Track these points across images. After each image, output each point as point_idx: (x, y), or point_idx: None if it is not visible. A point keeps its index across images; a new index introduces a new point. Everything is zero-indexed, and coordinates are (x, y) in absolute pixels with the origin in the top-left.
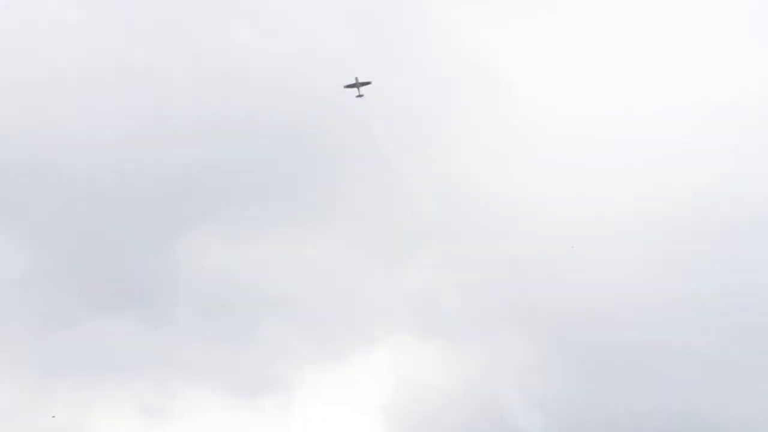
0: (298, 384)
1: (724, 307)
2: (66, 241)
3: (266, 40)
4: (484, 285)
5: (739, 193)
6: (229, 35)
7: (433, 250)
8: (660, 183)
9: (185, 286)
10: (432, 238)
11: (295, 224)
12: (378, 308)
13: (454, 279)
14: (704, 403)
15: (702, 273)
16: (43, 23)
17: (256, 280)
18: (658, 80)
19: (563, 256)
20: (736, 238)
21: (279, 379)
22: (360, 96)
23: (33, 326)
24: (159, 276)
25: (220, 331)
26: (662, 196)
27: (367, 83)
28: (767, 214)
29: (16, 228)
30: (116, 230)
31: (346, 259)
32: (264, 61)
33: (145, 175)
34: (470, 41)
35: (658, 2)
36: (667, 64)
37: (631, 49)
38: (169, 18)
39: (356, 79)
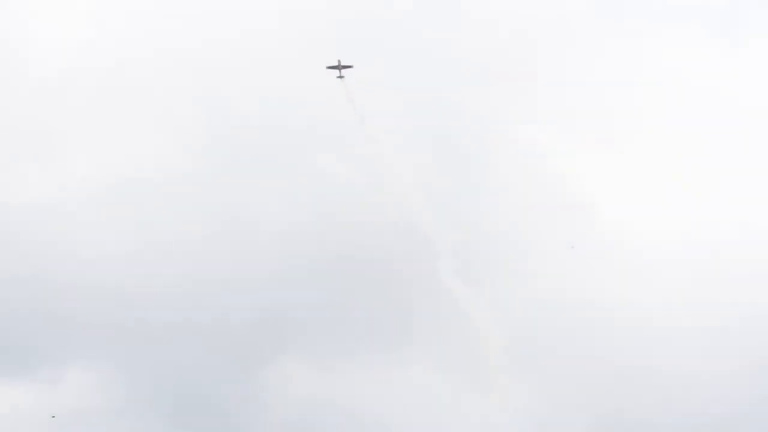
0: None
1: None
2: (159, 371)
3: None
4: (578, 402)
5: None
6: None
7: (524, 373)
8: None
9: (272, 413)
10: (522, 361)
11: (379, 350)
12: None
13: (550, 402)
14: None
15: None
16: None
17: (341, 406)
18: (744, 198)
19: (659, 366)
20: None
21: None
22: (341, 77)
23: None
24: (246, 404)
25: None
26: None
27: (349, 66)
28: None
29: (111, 357)
30: (206, 360)
31: (434, 384)
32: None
33: (233, 311)
34: (552, 162)
35: (737, 131)
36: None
37: (716, 168)
38: (253, 173)
39: (338, 61)
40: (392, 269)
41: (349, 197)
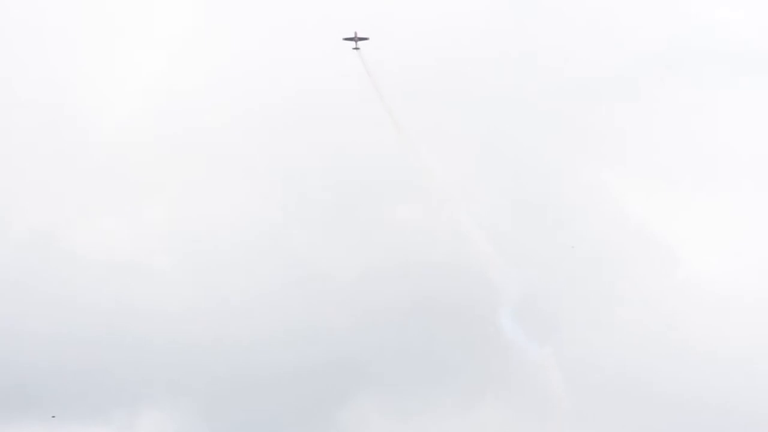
0: None
1: None
2: (236, 418)
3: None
4: None
5: None
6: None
7: (597, 425)
8: None
9: None
10: (594, 412)
11: (453, 396)
12: None
13: None
14: None
15: None
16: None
17: None
18: None
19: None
20: None
21: None
22: (357, 49)
23: None
24: None
25: None
26: None
27: (365, 38)
28: None
29: (187, 404)
30: (282, 407)
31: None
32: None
33: (309, 359)
34: (634, 210)
35: None
36: None
37: None
38: (325, 222)
39: (355, 33)
40: (464, 316)
41: (421, 244)
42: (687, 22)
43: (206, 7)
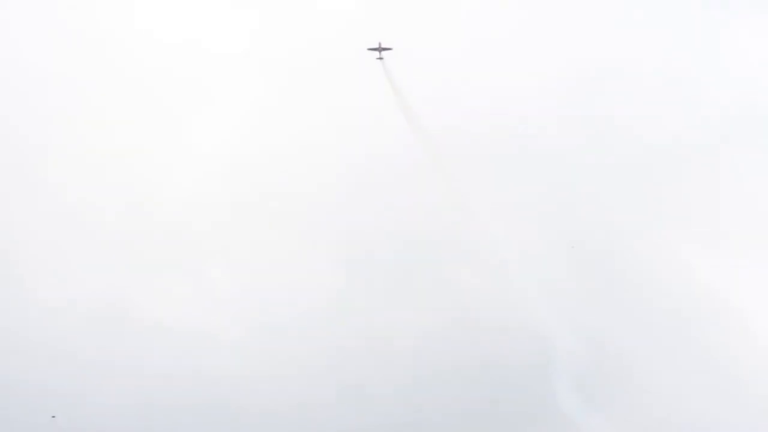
0: None
1: None
2: None
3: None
4: None
5: None
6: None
7: None
8: None
9: None
10: None
11: None
12: None
13: None
14: None
15: None
16: None
17: None
18: None
19: None
20: None
21: None
22: (380, 59)
23: None
24: None
25: None
26: None
27: (389, 48)
28: None
29: None
30: None
31: None
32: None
33: (371, 418)
34: (702, 275)
35: None
36: None
37: None
38: (386, 286)
39: (379, 43)
40: (522, 380)
41: (478, 306)
42: (760, 88)
43: (274, 79)
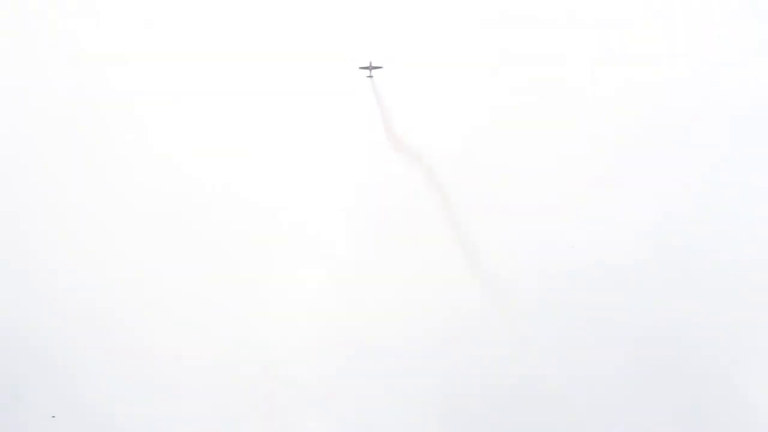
0: None
1: None
2: None
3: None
4: None
5: None
6: None
7: None
8: None
9: None
10: None
11: None
12: None
13: None
14: None
15: None
16: None
17: None
18: None
19: None
20: None
21: None
22: (370, 77)
23: None
24: None
25: None
26: None
27: (379, 67)
28: None
29: None
30: None
31: None
32: None
33: None
34: None
35: None
36: None
37: None
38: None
39: (370, 62)
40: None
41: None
42: None
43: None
